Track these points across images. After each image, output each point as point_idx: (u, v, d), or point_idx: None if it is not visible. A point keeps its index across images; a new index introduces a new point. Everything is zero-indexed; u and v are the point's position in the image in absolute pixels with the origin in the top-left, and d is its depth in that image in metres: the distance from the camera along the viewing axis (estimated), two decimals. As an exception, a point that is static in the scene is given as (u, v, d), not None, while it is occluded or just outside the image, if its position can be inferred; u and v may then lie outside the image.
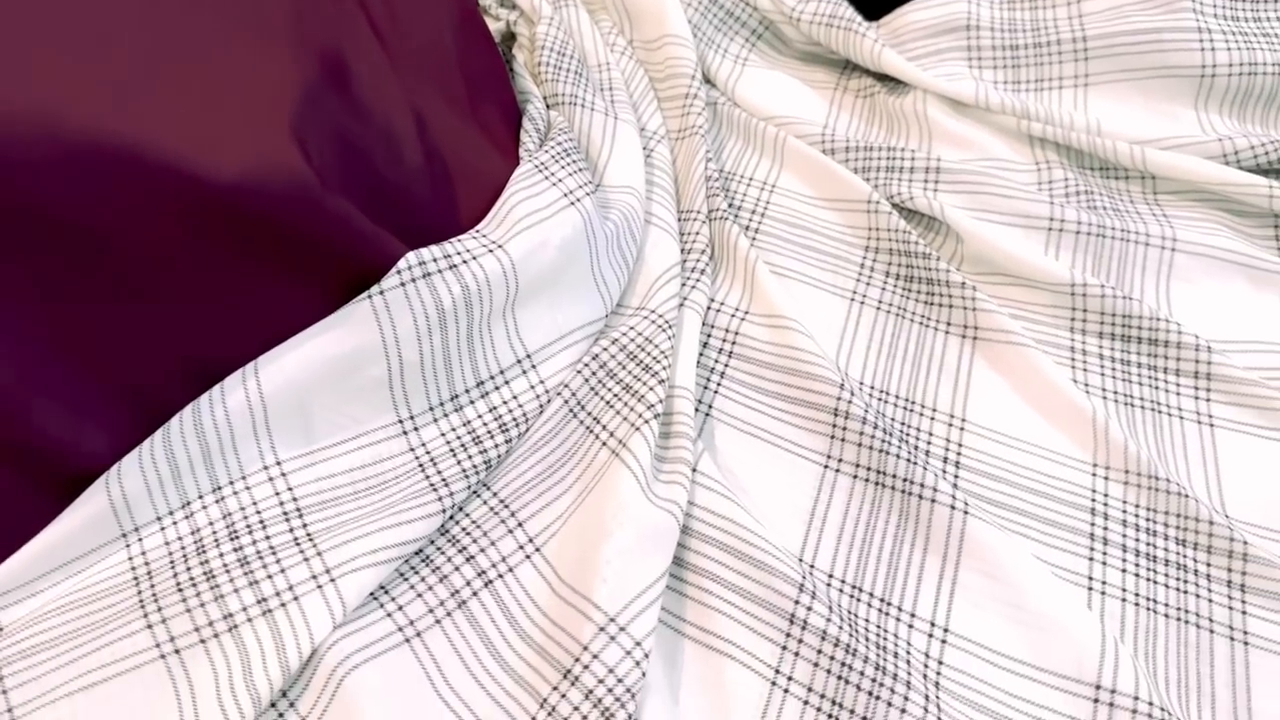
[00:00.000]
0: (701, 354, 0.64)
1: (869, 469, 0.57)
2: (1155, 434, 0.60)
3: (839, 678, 0.48)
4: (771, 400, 0.61)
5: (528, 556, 0.52)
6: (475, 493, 0.55)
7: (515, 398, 0.57)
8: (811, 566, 0.54)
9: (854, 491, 0.57)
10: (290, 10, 0.53)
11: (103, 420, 0.48)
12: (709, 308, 0.66)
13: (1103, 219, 0.68)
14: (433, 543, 0.53)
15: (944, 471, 0.58)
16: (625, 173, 0.68)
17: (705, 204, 0.70)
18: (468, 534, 0.53)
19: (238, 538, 0.49)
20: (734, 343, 0.64)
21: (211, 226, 0.47)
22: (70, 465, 0.48)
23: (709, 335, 0.65)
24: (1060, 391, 0.59)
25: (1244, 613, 0.52)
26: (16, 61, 0.42)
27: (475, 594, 0.51)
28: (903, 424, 0.60)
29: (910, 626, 0.51)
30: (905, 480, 0.55)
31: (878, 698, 0.47)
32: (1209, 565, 0.53)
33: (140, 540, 0.49)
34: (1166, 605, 0.52)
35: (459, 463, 0.54)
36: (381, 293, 0.52)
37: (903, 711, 0.46)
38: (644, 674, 0.46)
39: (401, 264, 0.52)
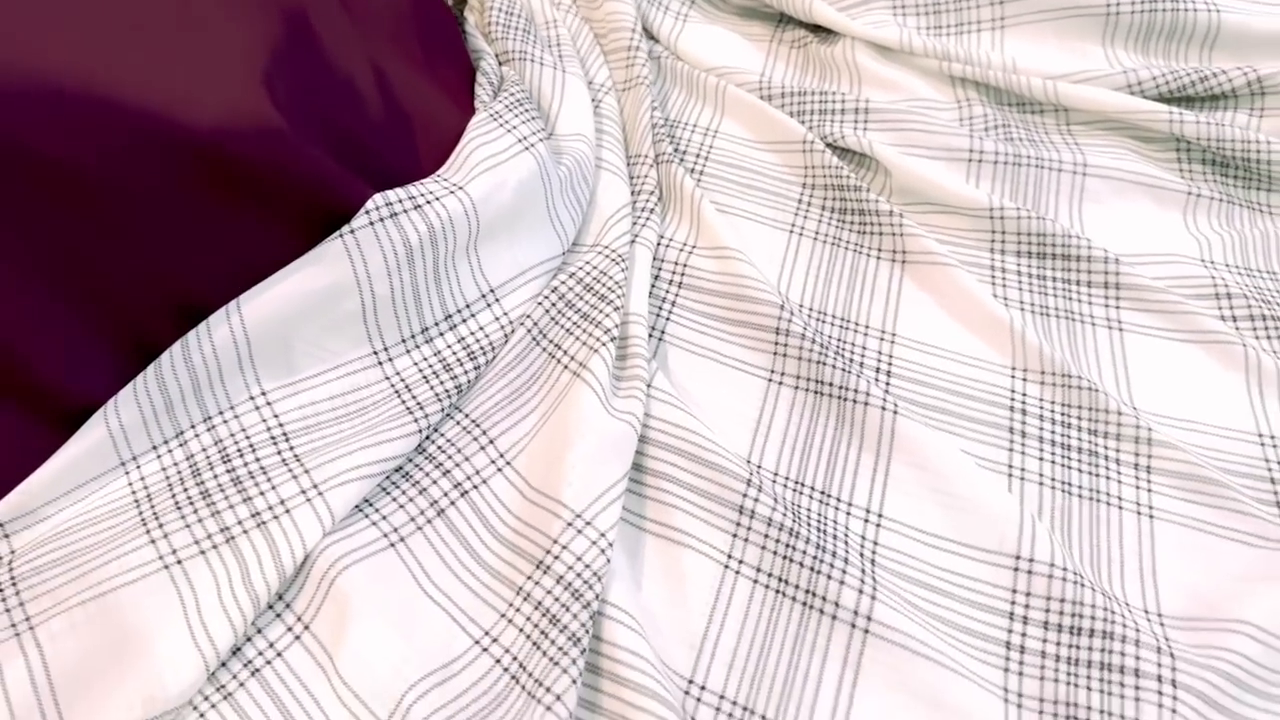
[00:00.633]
0: (653, 286, 0.68)
1: (809, 379, 0.62)
2: (1069, 339, 0.65)
3: (784, 558, 0.53)
4: (719, 324, 0.66)
5: (499, 469, 0.57)
6: (448, 415, 0.59)
7: (482, 329, 0.62)
8: (758, 466, 0.59)
9: (795, 400, 0.62)
10: (254, -28, 0.57)
11: (98, 357, 0.52)
12: (659, 244, 0.71)
13: (1019, 149, 0.73)
14: (411, 460, 0.57)
15: (876, 379, 0.63)
16: (575, 122, 0.72)
17: (652, 149, 0.75)
18: (443, 451, 0.57)
19: (230, 460, 0.54)
20: (683, 274, 0.69)
21: (192, 172, 0.51)
22: (70, 400, 0.52)
23: (659, 269, 0.70)
24: (981, 305, 0.65)
25: (1150, 490, 0.57)
26: (5, 17, 0.46)
27: (453, 503, 0.55)
28: (839, 340, 0.65)
29: (848, 514, 0.57)
30: (841, 388, 0.60)
31: (819, 573, 0.52)
32: (1118, 450, 0.59)
33: (139, 467, 0.53)
34: (1080, 488, 0.58)
35: (432, 388, 0.58)
36: (352, 231, 0.56)
37: (841, 584, 0.51)
38: (609, 560, 0.51)
39: (369, 205, 0.56)
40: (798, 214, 0.74)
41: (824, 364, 0.61)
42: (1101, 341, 0.65)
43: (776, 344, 0.63)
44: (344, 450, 0.54)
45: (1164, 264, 0.69)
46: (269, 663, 0.49)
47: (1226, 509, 0.56)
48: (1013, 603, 0.52)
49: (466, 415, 0.59)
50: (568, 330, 0.62)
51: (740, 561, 0.54)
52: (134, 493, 0.52)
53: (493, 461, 0.57)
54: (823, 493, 0.57)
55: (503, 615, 0.51)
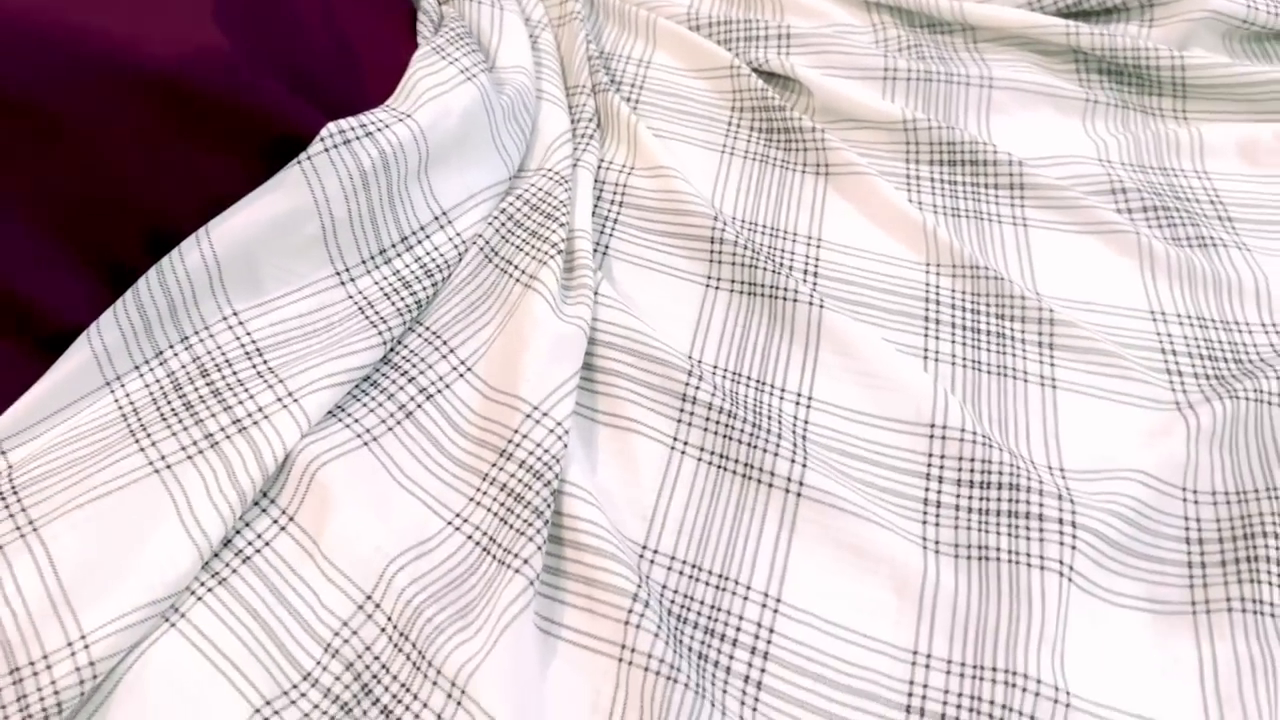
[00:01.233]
0: (596, 206, 0.73)
1: (743, 283, 0.67)
2: (979, 236, 0.71)
3: (724, 437, 0.59)
4: (658, 238, 0.71)
5: (461, 375, 0.62)
6: (410, 329, 0.64)
7: (437, 249, 0.66)
8: (699, 361, 0.64)
9: (731, 302, 0.67)
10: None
11: (77, 284, 0.56)
12: (599, 166, 0.75)
13: (930, 66, 0.79)
14: (378, 370, 0.62)
15: (804, 279, 0.69)
16: (515, 55, 0.76)
17: (589, 79, 0.80)
18: (408, 360, 0.62)
19: (208, 375, 0.58)
20: (623, 194, 0.74)
21: (152, 105, 0.54)
22: (53, 326, 0.55)
23: (601, 190, 0.74)
24: (898, 209, 0.71)
25: (1053, 364, 0.64)
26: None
27: (419, 406, 0.60)
28: (769, 246, 0.71)
29: (780, 398, 0.62)
30: (772, 288, 0.66)
31: (755, 448, 0.57)
32: (1023, 331, 0.65)
33: (123, 385, 0.57)
34: (989, 365, 0.64)
35: (393, 304, 0.63)
36: (309, 158, 0.60)
37: (775, 455, 0.57)
38: (566, 445, 0.56)
39: (324, 133, 0.60)
40: (728, 135, 0.79)
41: (756, 267, 0.66)
42: (1008, 236, 0.71)
43: (712, 252, 0.69)
44: (315, 362, 0.58)
45: (1065, 165, 0.75)
46: (258, 551, 0.53)
47: (1122, 377, 0.62)
48: (929, 465, 0.58)
49: (427, 328, 0.64)
50: (518, 247, 0.67)
51: (685, 443, 0.59)
52: (120, 408, 0.56)
53: (454, 368, 0.62)
54: (758, 381, 0.63)
55: (471, 499, 0.56)
